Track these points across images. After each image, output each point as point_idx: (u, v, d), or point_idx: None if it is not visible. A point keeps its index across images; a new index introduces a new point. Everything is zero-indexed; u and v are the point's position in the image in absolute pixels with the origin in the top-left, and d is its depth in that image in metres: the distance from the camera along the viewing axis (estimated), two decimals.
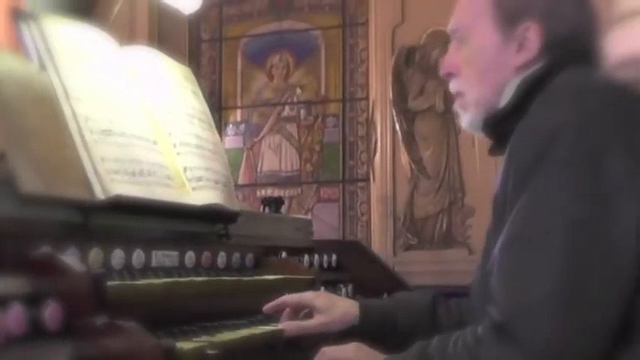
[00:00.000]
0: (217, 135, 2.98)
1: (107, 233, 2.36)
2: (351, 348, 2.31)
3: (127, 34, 5.82)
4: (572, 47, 2.17)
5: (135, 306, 2.10)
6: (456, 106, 2.33)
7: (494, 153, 2.30)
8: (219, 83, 7.42)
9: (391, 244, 6.54)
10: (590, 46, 2.21)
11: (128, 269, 2.35)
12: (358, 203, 6.99)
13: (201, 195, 2.69)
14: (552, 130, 1.92)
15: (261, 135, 7.31)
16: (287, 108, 7.30)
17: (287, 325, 2.53)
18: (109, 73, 2.55)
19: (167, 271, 2.46)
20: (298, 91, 7.26)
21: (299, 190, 7.12)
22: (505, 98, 2.19)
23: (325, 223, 6.79)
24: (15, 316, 1.70)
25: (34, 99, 2.25)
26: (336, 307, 2.55)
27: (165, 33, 6.50)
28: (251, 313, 2.62)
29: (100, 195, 2.30)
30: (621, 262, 1.86)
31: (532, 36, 2.17)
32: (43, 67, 2.36)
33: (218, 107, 7.35)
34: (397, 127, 6.57)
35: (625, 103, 2.02)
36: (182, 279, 2.41)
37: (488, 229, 2.21)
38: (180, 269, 2.54)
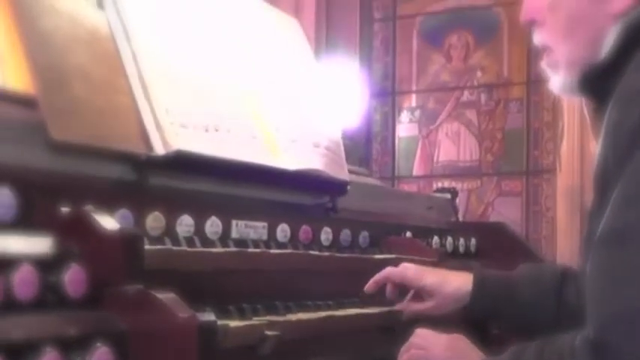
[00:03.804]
0: (326, 95, 2.62)
1: (171, 195, 2.07)
2: (443, 342, 2.05)
3: (292, 11, 5.58)
4: None
5: (183, 276, 1.81)
6: (544, 65, 1.93)
7: (599, 116, 1.87)
8: (392, 66, 6.95)
9: (578, 243, 5.96)
10: None
11: (200, 239, 2.04)
12: (543, 197, 6.44)
13: (296, 158, 2.34)
14: None
15: (438, 122, 6.81)
16: (466, 92, 6.75)
17: (401, 307, 2.31)
18: (185, 16, 2.25)
19: (249, 245, 2.15)
20: (479, 73, 6.73)
21: (479, 182, 6.66)
22: (605, 51, 1.79)
23: (506, 219, 6.28)
24: (22, 279, 1.47)
25: (84, 37, 1.99)
26: (447, 283, 2.29)
27: (334, 13, 6.21)
28: (346, 295, 2.26)
29: (159, 150, 2.00)
30: None
31: None
32: (100, 4, 2.08)
33: (391, 92, 6.96)
34: (585, 111, 5.97)
35: None
36: (251, 250, 2.08)
37: (590, 211, 1.83)
38: (270, 244, 2.22)
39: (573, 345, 1.64)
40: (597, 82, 1.82)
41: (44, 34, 1.88)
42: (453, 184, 6.20)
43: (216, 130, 2.14)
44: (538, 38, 1.91)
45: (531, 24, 1.92)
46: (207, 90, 2.18)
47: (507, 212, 6.45)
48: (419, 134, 6.92)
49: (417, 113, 6.94)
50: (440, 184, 6.33)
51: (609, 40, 1.78)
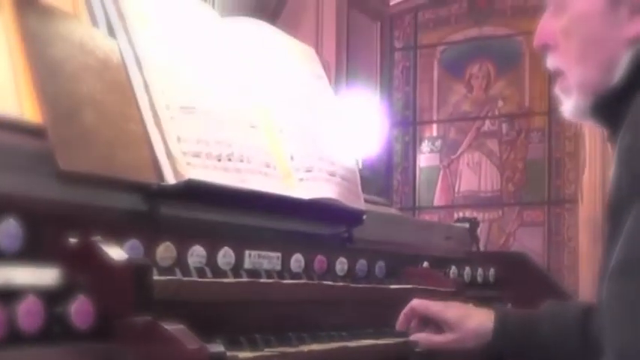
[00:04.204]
0: (343, 124, 2.59)
1: (183, 226, 2.03)
2: None
3: (313, 42, 5.57)
4: None
5: (194, 307, 1.77)
6: (557, 90, 1.90)
7: (613, 142, 1.83)
8: (413, 95, 6.98)
9: None
10: None
11: (212, 270, 2.00)
12: (565, 227, 6.38)
13: (311, 188, 2.31)
14: None
15: (459, 152, 6.82)
16: (487, 122, 6.77)
17: (418, 337, 2.25)
18: (199, 45, 2.23)
19: (262, 276, 2.11)
20: (500, 103, 6.74)
21: (500, 212, 6.61)
22: (618, 76, 1.75)
23: (528, 250, 6.21)
24: (27, 310, 1.44)
25: (94, 65, 1.96)
26: (469, 319, 2.26)
27: (355, 40, 6.18)
28: (361, 326, 2.22)
29: (170, 179, 1.97)
30: None
31: None
32: (112, 32, 2.06)
33: (412, 121, 6.96)
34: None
35: None
36: (263, 280, 2.04)
37: (606, 240, 1.78)
38: (284, 274, 2.18)
39: None
40: (609, 107, 1.77)
41: (54, 63, 1.85)
42: (475, 214, 6.16)
43: (230, 160, 2.12)
44: (551, 62, 1.88)
45: (545, 48, 1.89)
46: (221, 119, 2.15)
47: (529, 242, 6.39)
48: (440, 164, 6.89)
49: (438, 143, 6.91)
50: (461, 214, 6.29)
51: (622, 65, 1.74)
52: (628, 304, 1.53)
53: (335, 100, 2.58)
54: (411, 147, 6.91)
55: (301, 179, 2.31)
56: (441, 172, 6.83)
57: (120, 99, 1.98)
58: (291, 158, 2.32)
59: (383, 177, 6.53)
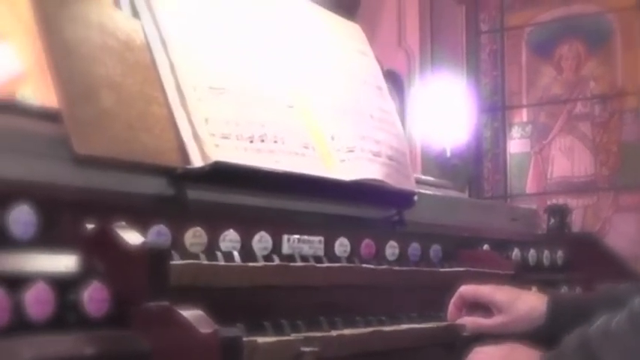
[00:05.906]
0: (390, 102, 2.48)
1: (213, 210, 1.97)
2: (500, 353, 1.94)
3: (395, 29, 5.45)
4: None
5: (219, 292, 1.72)
6: None
7: None
8: (501, 79, 6.72)
9: None
10: None
11: (248, 255, 1.93)
12: None
13: (353, 169, 2.22)
14: None
15: (551, 136, 6.54)
16: (579, 104, 6.50)
17: (466, 321, 2.16)
18: (231, 23, 2.16)
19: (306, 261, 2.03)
20: (591, 84, 6.46)
21: (595, 198, 6.36)
22: None
23: (626, 236, 5.94)
24: (35, 297, 1.39)
25: (115, 47, 1.92)
26: (520, 302, 2.16)
27: (439, 25, 6.02)
28: (407, 312, 2.12)
29: (197, 162, 1.91)
30: None
31: None
32: (136, 14, 2.01)
33: (501, 106, 6.74)
34: None
35: None
36: (295, 264, 1.95)
37: None
38: (327, 259, 2.09)
39: None
40: None
41: (70, 45, 1.81)
42: (568, 200, 5.94)
43: (262, 141, 2.04)
44: None
45: None
46: (254, 99, 2.08)
47: (626, 228, 6.14)
48: (531, 150, 6.67)
49: (529, 128, 6.70)
50: (555, 201, 6.07)
51: None
52: None
53: (379, 78, 2.47)
54: (500, 133, 6.69)
55: (343, 160, 2.21)
56: (533, 159, 6.60)
57: (142, 80, 1.92)
58: (332, 138, 2.23)
59: (472, 165, 6.37)
